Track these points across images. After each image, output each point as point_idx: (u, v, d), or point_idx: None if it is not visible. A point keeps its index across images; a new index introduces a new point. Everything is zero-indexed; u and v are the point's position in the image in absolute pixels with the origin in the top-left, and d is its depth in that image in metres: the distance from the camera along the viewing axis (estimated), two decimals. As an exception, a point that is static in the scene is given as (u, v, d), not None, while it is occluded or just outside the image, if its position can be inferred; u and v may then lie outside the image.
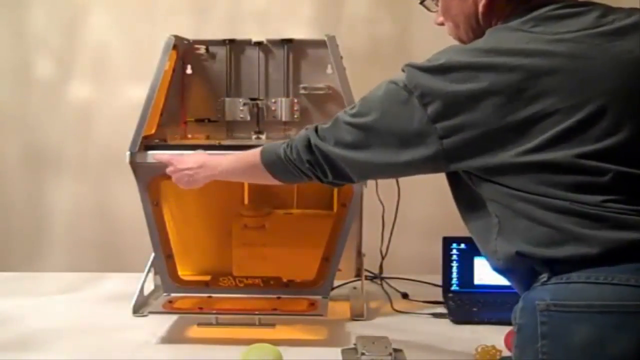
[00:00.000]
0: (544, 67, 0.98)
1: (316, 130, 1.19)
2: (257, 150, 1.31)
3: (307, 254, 1.68)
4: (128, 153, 1.59)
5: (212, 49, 1.82)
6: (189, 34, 1.82)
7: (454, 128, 1.01)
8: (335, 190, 1.70)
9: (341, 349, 1.41)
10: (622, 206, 0.95)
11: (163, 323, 1.60)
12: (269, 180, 1.31)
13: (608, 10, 1.05)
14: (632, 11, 1.05)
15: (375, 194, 1.83)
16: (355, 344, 1.40)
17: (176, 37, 1.69)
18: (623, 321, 0.90)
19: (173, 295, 1.67)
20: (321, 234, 1.64)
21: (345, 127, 1.13)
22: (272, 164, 1.27)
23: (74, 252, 2.38)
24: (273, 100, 1.79)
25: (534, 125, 0.98)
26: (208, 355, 1.43)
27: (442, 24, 1.19)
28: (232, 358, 1.34)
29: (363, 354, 1.34)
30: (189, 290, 1.68)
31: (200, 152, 1.49)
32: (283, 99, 1.78)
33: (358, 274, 1.82)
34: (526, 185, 0.99)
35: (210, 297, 1.66)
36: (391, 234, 1.86)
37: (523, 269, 1.03)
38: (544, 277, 0.99)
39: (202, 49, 1.82)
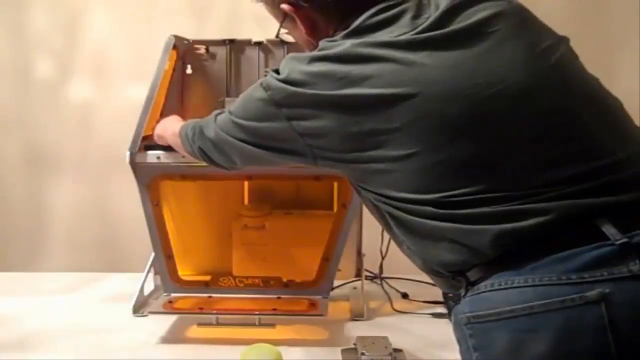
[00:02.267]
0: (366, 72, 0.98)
1: (215, 119, 1.23)
2: (180, 124, 1.38)
3: (307, 254, 1.68)
4: (128, 153, 1.59)
5: (212, 49, 1.82)
6: (189, 34, 1.82)
7: (308, 130, 1.03)
8: (335, 190, 1.70)
9: (341, 349, 1.40)
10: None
11: (163, 323, 1.60)
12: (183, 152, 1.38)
13: (419, 7, 1.03)
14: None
15: (375, 194, 1.82)
16: (355, 344, 1.39)
17: (176, 37, 1.69)
18: (534, 322, 0.90)
19: (173, 295, 1.67)
20: (321, 234, 1.64)
21: (230, 122, 1.16)
22: (182, 138, 1.33)
23: (74, 252, 2.38)
24: (273, 100, 1.79)
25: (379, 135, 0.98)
26: (208, 355, 1.43)
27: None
28: (232, 358, 1.34)
29: (363, 354, 1.34)
30: (189, 290, 1.68)
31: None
32: (283, 99, 1.78)
33: (358, 274, 1.82)
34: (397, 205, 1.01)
35: (210, 297, 1.66)
36: (391, 234, 1.85)
37: (443, 279, 1.05)
38: (462, 290, 1.01)
39: (202, 49, 1.82)
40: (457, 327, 0.99)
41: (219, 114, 1.21)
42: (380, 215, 1.10)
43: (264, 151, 1.11)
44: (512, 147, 0.95)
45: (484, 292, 0.95)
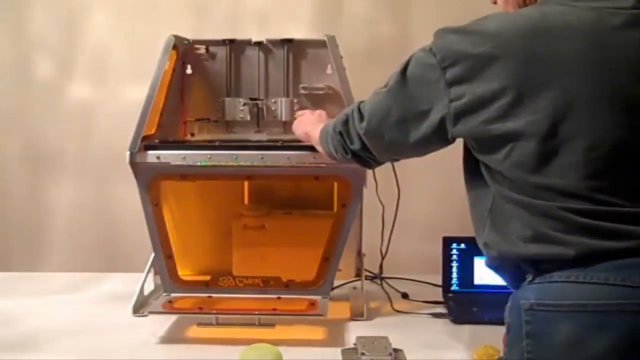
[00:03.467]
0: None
1: (358, 105, 1.23)
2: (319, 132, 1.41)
3: (307, 254, 1.68)
4: (128, 153, 1.59)
5: (212, 49, 1.82)
6: (189, 34, 1.82)
7: (465, 92, 1.02)
8: (335, 190, 1.70)
9: (341, 349, 1.40)
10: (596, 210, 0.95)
11: (163, 323, 1.60)
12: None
13: None
14: None
15: (375, 194, 1.83)
16: (355, 344, 1.39)
17: (176, 37, 1.69)
18: (602, 320, 0.90)
19: (173, 295, 1.67)
20: (321, 234, 1.64)
21: (375, 97, 1.17)
22: (321, 135, 1.39)
23: (74, 252, 2.38)
24: (273, 100, 1.79)
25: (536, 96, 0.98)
26: (208, 355, 1.43)
27: (495, 2, 1.19)
28: (232, 358, 1.34)
29: (363, 354, 1.34)
30: (189, 290, 1.68)
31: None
32: (283, 99, 1.78)
33: (358, 274, 1.82)
34: (514, 185, 1.01)
35: (210, 297, 1.66)
36: (391, 234, 1.85)
37: (511, 266, 1.05)
38: (529, 276, 1.01)
39: (202, 49, 1.82)
40: (514, 312, 0.99)
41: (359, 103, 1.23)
42: (485, 194, 1.09)
43: (404, 117, 1.11)
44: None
45: (557, 282, 0.95)
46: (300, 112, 1.68)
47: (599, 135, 0.96)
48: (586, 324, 0.91)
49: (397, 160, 1.36)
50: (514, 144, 0.99)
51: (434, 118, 1.07)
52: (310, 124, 1.54)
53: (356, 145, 1.24)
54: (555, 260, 0.97)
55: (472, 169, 1.12)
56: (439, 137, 1.09)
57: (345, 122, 1.26)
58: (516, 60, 0.98)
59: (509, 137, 0.99)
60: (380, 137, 1.18)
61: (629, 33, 0.98)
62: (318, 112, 1.63)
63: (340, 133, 1.27)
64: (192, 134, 1.80)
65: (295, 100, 1.79)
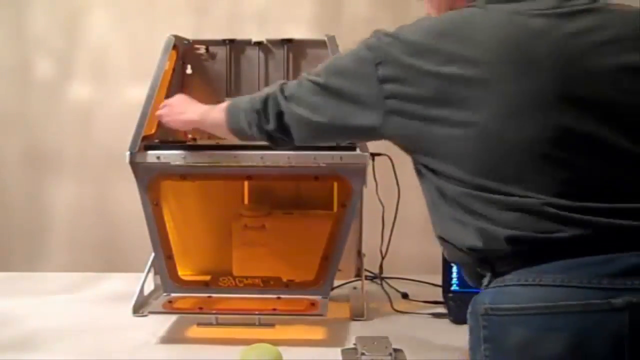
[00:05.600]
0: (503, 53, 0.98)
1: (282, 87, 1.22)
2: (224, 108, 1.36)
3: (307, 253, 1.68)
4: (128, 153, 1.59)
5: (212, 49, 1.82)
6: (189, 34, 1.82)
7: (399, 93, 1.03)
8: (335, 190, 1.70)
9: (341, 349, 1.40)
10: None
11: (163, 323, 1.60)
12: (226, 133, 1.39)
13: None
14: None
15: (375, 194, 1.83)
16: (355, 344, 1.39)
17: (176, 37, 1.69)
18: (552, 322, 0.90)
19: (173, 295, 1.67)
20: (321, 234, 1.64)
21: (306, 85, 1.16)
22: (230, 111, 1.34)
23: (74, 252, 2.38)
24: (273, 100, 1.79)
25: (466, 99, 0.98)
26: (208, 355, 1.43)
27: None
28: (232, 358, 1.34)
29: (363, 354, 1.34)
30: (189, 290, 1.67)
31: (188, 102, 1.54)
32: (283, 99, 1.78)
33: (358, 274, 1.82)
34: (450, 181, 1.02)
35: (210, 297, 1.66)
36: (391, 233, 1.85)
37: (468, 263, 1.07)
38: (486, 279, 1.01)
39: (202, 49, 1.82)
40: (473, 316, 1.00)
41: (282, 84, 1.22)
42: (428, 189, 1.09)
43: (334, 108, 1.11)
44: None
45: (508, 285, 0.95)
46: (162, 104, 1.59)
47: (529, 135, 0.95)
48: (537, 327, 0.91)
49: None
50: (447, 145, 1.00)
51: (366, 112, 1.07)
52: (194, 107, 1.49)
53: (271, 126, 1.22)
54: (506, 258, 0.97)
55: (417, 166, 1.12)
56: (369, 131, 1.09)
57: (265, 102, 1.23)
58: (443, 67, 0.99)
59: (442, 139, 1.00)
60: (305, 123, 1.17)
61: (550, 35, 0.97)
62: (181, 96, 1.57)
63: (258, 111, 1.25)
64: (194, 139, 1.80)
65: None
